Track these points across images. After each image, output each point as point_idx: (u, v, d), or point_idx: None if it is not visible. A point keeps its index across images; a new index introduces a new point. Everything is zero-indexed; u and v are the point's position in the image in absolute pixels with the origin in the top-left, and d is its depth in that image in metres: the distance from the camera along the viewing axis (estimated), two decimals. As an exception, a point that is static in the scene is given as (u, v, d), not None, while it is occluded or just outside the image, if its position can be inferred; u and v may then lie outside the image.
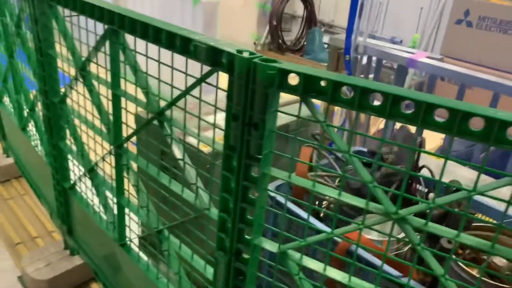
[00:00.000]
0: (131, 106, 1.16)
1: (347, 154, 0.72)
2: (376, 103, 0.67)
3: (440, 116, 0.63)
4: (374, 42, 2.53)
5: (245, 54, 0.80)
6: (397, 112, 0.65)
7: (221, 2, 6.00)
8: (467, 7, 4.01)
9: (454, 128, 0.60)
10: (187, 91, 0.93)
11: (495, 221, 1.33)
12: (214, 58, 0.84)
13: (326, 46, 5.37)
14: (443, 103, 0.61)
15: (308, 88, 0.73)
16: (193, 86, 0.90)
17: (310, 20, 5.84)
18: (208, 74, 0.87)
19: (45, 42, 1.44)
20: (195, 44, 0.86)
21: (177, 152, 1.05)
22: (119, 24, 1.05)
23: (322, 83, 0.71)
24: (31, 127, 2.06)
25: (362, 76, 2.55)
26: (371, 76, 2.57)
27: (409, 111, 0.64)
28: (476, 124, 0.62)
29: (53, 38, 1.44)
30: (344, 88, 0.71)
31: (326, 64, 2.89)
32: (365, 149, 1.64)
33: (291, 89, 0.75)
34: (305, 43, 5.77)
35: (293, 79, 0.76)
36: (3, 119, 2.50)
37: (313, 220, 1.22)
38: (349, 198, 0.76)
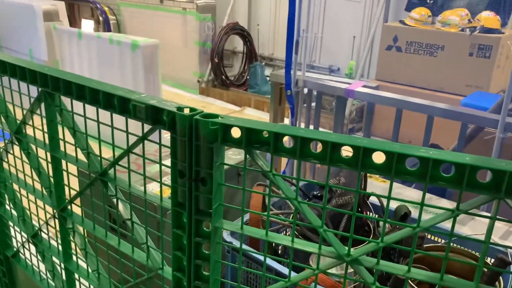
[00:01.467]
0: (73, 167, 1.12)
1: (295, 201, 0.73)
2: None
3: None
4: (313, 75, 2.63)
5: (186, 111, 0.80)
6: (337, 157, 0.67)
7: (160, 44, 6.03)
8: (395, 33, 4.28)
9: (391, 170, 0.63)
10: (129, 150, 0.91)
11: (443, 241, 1.39)
12: (155, 116, 0.83)
13: (268, 78, 5.50)
14: (378, 146, 0.64)
15: (251, 140, 0.74)
16: (134, 145, 0.89)
17: (251, 55, 5.99)
18: (149, 133, 0.86)
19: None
20: (133, 104, 0.85)
21: (124, 212, 1.01)
22: (53, 87, 1.02)
23: (264, 135, 0.73)
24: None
25: (305, 105, 2.62)
26: (313, 104, 2.65)
27: (347, 156, 0.67)
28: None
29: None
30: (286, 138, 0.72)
31: (269, 96, 2.95)
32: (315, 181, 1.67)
33: (234, 143, 0.75)
34: (248, 77, 5.88)
35: (235, 132, 0.77)
36: None
37: (271, 262, 1.21)
38: (301, 244, 0.77)
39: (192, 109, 0.81)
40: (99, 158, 1.01)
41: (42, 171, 1.23)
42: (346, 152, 0.67)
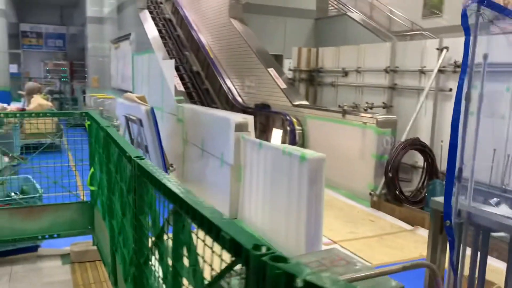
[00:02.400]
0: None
1: None
2: None
3: None
4: (484, 208, 2.33)
5: (263, 250, 0.84)
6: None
7: (338, 154, 6.21)
8: None
9: None
10: (220, 277, 0.98)
11: None
12: (237, 249, 0.89)
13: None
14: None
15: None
16: (220, 276, 0.95)
17: (431, 171, 5.65)
18: (232, 265, 0.92)
19: (139, 209, 1.66)
20: (222, 235, 0.93)
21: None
22: (179, 205, 1.19)
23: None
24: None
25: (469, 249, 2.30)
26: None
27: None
28: None
29: (146, 207, 1.67)
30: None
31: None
32: None
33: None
34: (425, 194, 5.50)
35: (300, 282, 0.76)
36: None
37: None
38: None
39: (268, 248, 0.84)
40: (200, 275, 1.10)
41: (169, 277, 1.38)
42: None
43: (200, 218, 1.05)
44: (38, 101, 9.91)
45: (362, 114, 6.03)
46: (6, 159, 6.22)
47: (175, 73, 7.30)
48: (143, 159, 1.78)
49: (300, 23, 11.23)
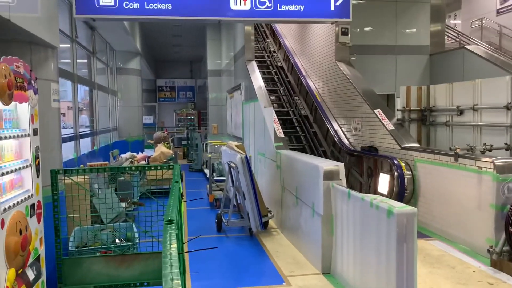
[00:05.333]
0: None
1: None
2: None
3: None
4: None
5: None
6: None
7: (451, 202, 5.54)
8: None
9: None
10: None
11: None
12: None
13: None
14: None
15: None
16: None
17: None
18: None
19: None
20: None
21: None
22: None
23: None
24: None
25: None
26: None
27: None
28: None
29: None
30: None
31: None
32: None
33: None
34: None
35: None
36: None
37: None
38: None
39: None
40: None
41: None
42: None
43: None
44: (161, 149, 10.87)
45: (478, 158, 5.32)
46: (123, 204, 6.86)
47: (275, 119, 7.39)
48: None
49: (413, 60, 10.63)
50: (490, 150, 5.86)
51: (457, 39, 12.87)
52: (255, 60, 10.90)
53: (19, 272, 3.04)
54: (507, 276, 4.50)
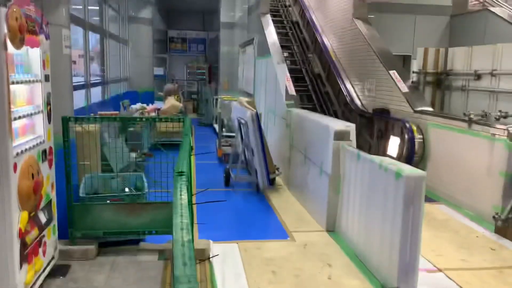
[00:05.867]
0: None
1: None
2: None
3: None
4: None
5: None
6: None
7: (461, 168, 5.50)
8: None
9: None
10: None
11: None
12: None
13: None
14: None
15: None
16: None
17: None
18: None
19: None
20: None
21: None
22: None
23: None
24: None
25: None
26: None
27: None
28: None
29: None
30: None
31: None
32: None
33: None
34: None
35: None
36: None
37: None
38: None
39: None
40: None
41: None
42: None
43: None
44: (171, 102, 10.85)
45: (492, 125, 5.23)
46: (133, 154, 6.93)
47: (288, 76, 7.28)
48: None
49: (433, 20, 10.26)
50: (505, 117, 5.75)
51: (481, 1, 12.35)
52: (270, 14, 10.61)
53: (31, 215, 3.12)
54: (510, 242, 4.55)
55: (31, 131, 3.33)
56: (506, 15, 9.06)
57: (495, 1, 11.92)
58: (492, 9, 9.61)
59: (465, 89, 7.21)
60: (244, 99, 6.70)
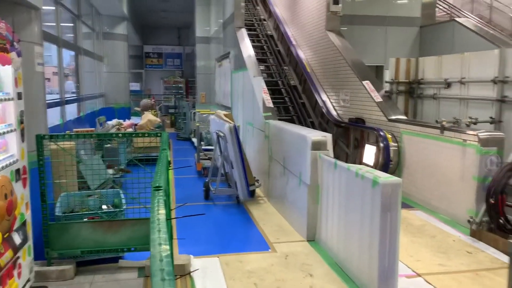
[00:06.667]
0: None
1: None
2: None
3: None
4: None
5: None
6: None
7: (435, 174, 5.61)
8: None
9: None
10: None
11: None
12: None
13: None
14: None
15: None
16: None
17: (549, 197, 4.79)
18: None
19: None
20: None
21: None
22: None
23: None
24: None
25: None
26: None
27: None
28: None
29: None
30: None
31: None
32: None
33: None
34: (540, 225, 4.67)
35: None
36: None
37: None
38: None
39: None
40: None
41: None
42: None
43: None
44: (148, 117, 10.77)
45: (463, 131, 5.39)
46: (110, 171, 6.84)
47: (264, 89, 7.35)
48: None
49: (403, 31, 10.57)
50: (475, 123, 5.94)
51: (448, 12, 12.79)
52: (245, 28, 10.72)
53: (5, 236, 3.04)
54: (485, 245, 4.66)
55: (4, 150, 3.27)
56: (471, 25, 9.40)
57: (461, 12, 12.36)
58: (458, 19, 9.96)
59: (437, 97, 7.41)
60: (222, 112, 6.72)
